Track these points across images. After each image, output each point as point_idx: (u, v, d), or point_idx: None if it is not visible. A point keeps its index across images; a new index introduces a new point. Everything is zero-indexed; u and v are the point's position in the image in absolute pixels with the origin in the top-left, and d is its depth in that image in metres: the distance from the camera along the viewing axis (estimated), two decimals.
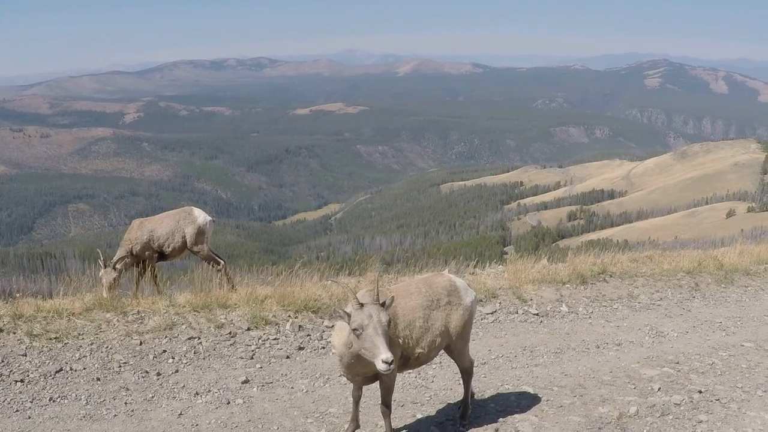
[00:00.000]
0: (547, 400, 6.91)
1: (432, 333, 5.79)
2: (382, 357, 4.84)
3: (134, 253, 9.94)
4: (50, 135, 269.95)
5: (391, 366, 4.85)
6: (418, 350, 5.73)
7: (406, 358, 5.73)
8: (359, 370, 5.47)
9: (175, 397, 6.86)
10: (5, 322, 7.70)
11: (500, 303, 9.98)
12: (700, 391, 7.22)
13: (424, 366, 6.61)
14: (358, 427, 6.01)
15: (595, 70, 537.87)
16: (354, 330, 5.01)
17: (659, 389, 7.24)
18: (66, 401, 6.66)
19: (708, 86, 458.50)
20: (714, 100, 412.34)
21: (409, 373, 7.22)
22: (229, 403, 6.77)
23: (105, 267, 9.57)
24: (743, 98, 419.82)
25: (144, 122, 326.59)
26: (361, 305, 5.09)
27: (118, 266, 9.64)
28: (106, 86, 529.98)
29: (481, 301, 9.75)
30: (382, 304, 5.14)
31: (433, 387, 7.27)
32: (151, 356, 7.58)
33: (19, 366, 7.07)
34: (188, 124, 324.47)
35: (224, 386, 7.11)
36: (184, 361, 7.59)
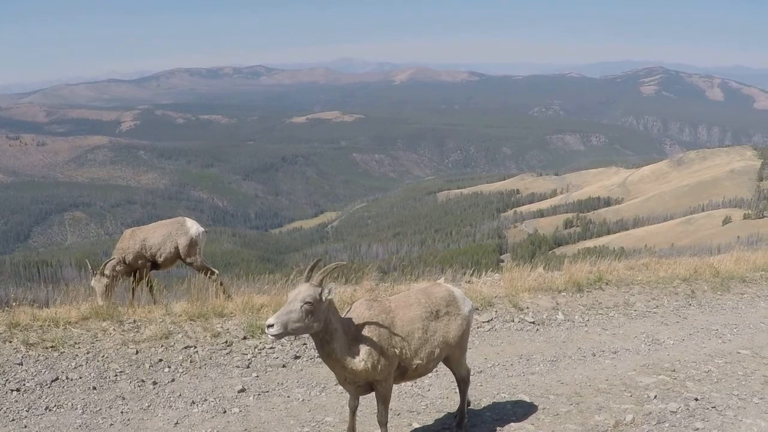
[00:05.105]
0: (544, 409, 6.92)
1: (431, 344, 5.80)
2: (268, 321, 5.01)
3: (127, 262, 9.92)
4: (46, 143, 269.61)
5: (271, 331, 4.98)
6: (417, 361, 5.73)
7: (404, 369, 5.73)
8: (340, 372, 5.49)
9: (171, 407, 6.86)
10: (1, 331, 7.70)
11: (496, 311, 9.98)
12: (697, 399, 7.23)
13: None
14: None
15: (591, 78, 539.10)
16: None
17: (655, 397, 7.25)
18: (62, 410, 6.66)
19: (704, 93, 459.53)
20: (710, 107, 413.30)
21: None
22: (225, 412, 6.77)
23: (95, 275, 9.57)
24: (739, 105, 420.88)
25: (140, 130, 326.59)
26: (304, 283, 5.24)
27: (106, 272, 9.62)
28: (102, 94, 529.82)
29: (478, 309, 9.75)
30: (318, 284, 5.24)
31: (430, 395, 7.27)
32: (147, 365, 7.57)
33: (15, 375, 7.06)
34: (185, 132, 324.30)
35: (220, 395, 7.11)
36: (181, 370, 7.58)
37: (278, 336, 5.05)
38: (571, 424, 6.60)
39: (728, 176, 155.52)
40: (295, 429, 6.43)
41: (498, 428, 6.50)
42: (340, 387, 6.33)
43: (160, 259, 10.04)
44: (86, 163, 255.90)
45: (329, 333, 5.25)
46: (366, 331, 5.42)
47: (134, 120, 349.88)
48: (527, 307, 10.24)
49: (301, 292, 5.12)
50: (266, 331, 5.05)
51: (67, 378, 7.16)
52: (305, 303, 5.06)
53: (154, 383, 7.28)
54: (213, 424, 6.52)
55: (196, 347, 8.04)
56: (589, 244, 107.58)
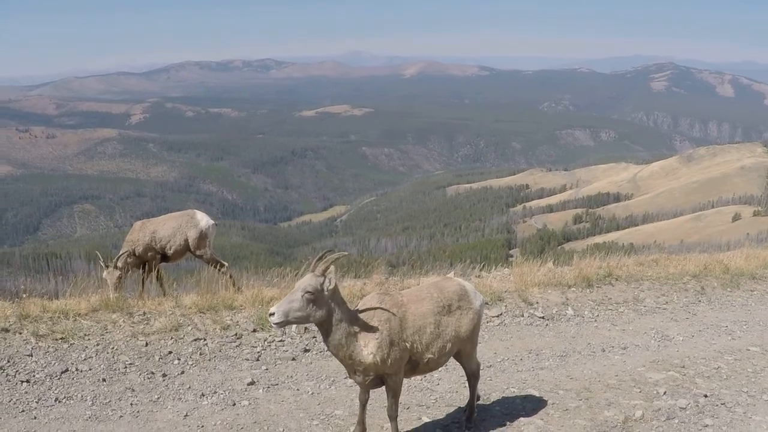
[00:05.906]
0: (553, 404, 6.91)
1: (443, 339, 5.79)
2: (270, 309, 5.15)
3: (137, 254, 9.94)
4: (56, 135, 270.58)
5: (273, 319, 5.10)
6: (428, 355, 5.72)
7: (415, 363, 5.73)
8: (349, 364, 5.51)
9: (180, 399, 6.87)
10: (11, 323, 7.72)
11: (506, 306, 9.97)
12: (706, 396, 7.20)
13: None
14: (364, 429, 5.99)
15: (601, 73, 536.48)
16: None
17: (665, 393, 7.23)
18: (72, 402, 6.68)
19: (714, 89, 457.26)
20: (720, 103, 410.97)
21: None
22: (234, 404, 6.78)
23: (107, 267, 9.59)
24: (749, 101, 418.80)
25: (150, 123, 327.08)
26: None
27: (119, 264, 9.65)
28: (112, 87, 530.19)
29: (487, 304, 9.73)
30: (321, 275, 5.27)
31: (439, 390, 7.27)
32: (156, 357, 7.59)
33: (25, 366, 7.09)
34: (194, 126, 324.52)
35: (230, 388, 7.12)
36: (190, 363, 7.60)
37: (279, 324, 5.15)
38: (580, 419, 6.59)
39: (738, 173, 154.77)
40: (305, 422, 6.44)
41: (507, 423, 6.49)
42: (350, 380, 6.34)
43: (169, 252, 10.06)
44: (96, 156, 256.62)
45: (333, 324, 5.29)
46: (376, 325, 5.42)
47: (144, 113, 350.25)
48: (537, 302, 10.23)
49: (304, 281, 5.19)
50: (268, 319, 5.16)
51: (76, 369, 7.18)
52: (306, 292, 5.14)
53: (164, 375, 7.29)
54: (222, 416, 6.53)
55: (205, 340, 8.05)
56: (598, 239, 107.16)
